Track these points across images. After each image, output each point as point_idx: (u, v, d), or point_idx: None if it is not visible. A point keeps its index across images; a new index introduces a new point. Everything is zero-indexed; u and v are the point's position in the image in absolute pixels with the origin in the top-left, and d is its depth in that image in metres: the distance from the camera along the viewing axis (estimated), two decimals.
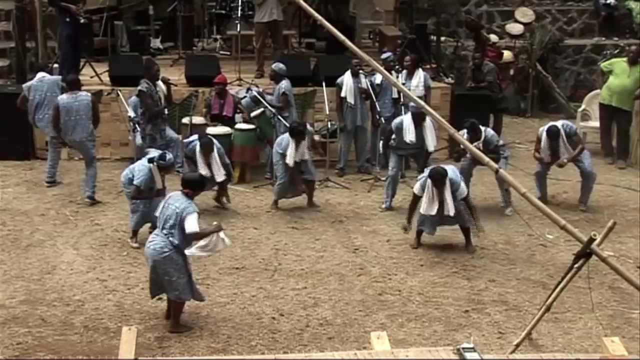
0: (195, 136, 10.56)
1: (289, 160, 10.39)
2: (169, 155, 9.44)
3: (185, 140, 10.95)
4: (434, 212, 9.27)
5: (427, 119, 10.50)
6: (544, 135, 10.79)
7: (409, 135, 10.62)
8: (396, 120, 10.94)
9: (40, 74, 11.54)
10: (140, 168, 9.32)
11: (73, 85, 10.98)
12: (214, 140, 10.39)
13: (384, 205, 10.85)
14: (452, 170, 9.44)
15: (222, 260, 9.11)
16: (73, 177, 11.64)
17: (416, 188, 9.54)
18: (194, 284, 7.78)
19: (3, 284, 8.53)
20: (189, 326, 7.72)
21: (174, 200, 7.55)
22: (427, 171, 9.43)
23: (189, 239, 7.50)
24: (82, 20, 12.58)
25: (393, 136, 10.83)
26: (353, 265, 9.17)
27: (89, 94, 10.94)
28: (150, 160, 9.26)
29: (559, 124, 10.89)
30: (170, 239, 7.46)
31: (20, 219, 10.26)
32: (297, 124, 10.76)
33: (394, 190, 10.91)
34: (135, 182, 9.24)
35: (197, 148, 10.29)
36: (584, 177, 11.04)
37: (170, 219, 7.45)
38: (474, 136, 10.25)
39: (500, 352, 7.19)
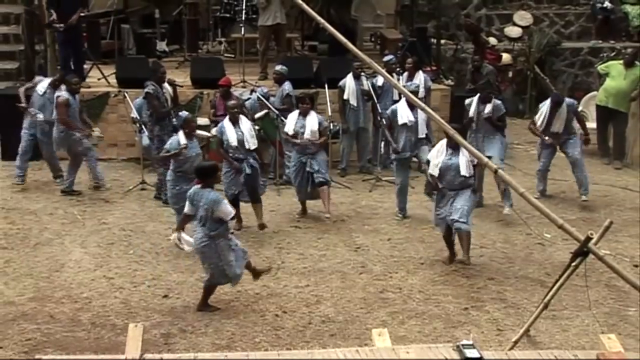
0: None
1: (287, 128, 10.39)
2: (183, 113, 9.78)
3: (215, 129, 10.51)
4: (436, 173, 8.87)
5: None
6: (547, 102, 11.01)
7: (404, 116, 10.26)
8: (390, 108, 10.65)
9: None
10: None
11: (61, 82, 11.13)
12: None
13: (400, 215, 10.54)
14: None
15: None
16: (80, 177, 11.62)
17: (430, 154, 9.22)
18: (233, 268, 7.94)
19: (12, 281, 8.54)
20: (217, 307, 8.01)
21: (200, 197, 7.77)
22: None
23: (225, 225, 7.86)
24: (59, 27, 12.47)
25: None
26: (355, 264, 9.16)
27: (58, 94, 10.82)
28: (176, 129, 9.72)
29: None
30: (206, 231, 7.74)
31: (29, 218, 10.27)
32: (305, 94, 10.78)
33: (405, 198, 10.59)
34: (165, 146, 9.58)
35: (226, 119, 9.94)
36: (574, 166, 11.07)
37: (205, 215, 7.72)
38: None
39: (499, 348, 7.17)
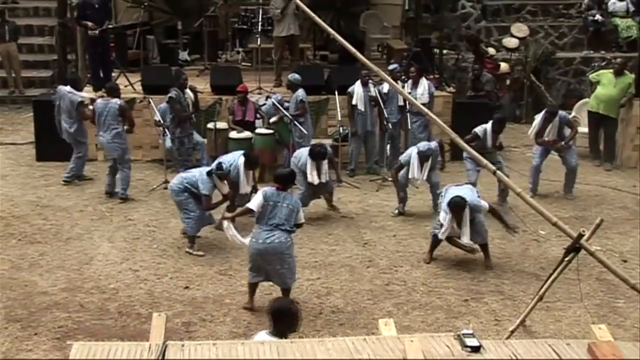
0: (237, 154, 9.73)
1: (311, 179, 9.96)
2: (225, 164, 9.23)
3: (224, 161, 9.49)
4: (444, 236, 8.77)
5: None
6: (541, 114, 11.04)
7: (415, 172, 10.13)
8: (404, 156, 10.36)
9: (68, 87, 11.37)
10: (202, 179, 8.99)
11: (108, 92, 11.04)
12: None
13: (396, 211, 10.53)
14: (469, 191, 8.88)
15: (244, 253, 9.09)
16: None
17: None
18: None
19: (46, 273, 8.58)
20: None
21: (281, 198, 7.56)
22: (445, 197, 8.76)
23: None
24: (90, 32, 12.53)
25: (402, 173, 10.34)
26: (362, 258, 9.16)
27: (119, 102, 10.77)
28: (209, 173, 9.01)
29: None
30: (289, 232, 7.60)
31: (61, 215, 10.30)
32: (318, 146, 10.10)
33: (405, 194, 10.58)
34: (205, 193, 8.93)
35: (241, 162, 9.52)
36: (569, 171, 11.25)
37: (289, 215, 7.53)
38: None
39: (497, 337, 7.15)
